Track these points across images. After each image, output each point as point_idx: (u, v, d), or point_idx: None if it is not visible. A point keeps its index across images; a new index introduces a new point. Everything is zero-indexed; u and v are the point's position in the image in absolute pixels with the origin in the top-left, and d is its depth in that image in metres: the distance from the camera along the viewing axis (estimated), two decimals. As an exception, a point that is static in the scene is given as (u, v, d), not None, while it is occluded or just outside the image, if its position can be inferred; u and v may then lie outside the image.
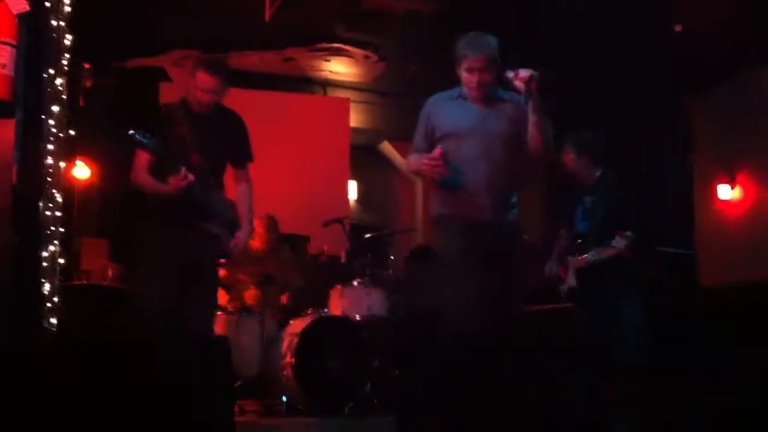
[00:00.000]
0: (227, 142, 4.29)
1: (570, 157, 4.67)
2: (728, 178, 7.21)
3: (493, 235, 3.69)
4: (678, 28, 6.33)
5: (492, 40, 3.73)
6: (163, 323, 3.78)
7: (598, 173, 4.65)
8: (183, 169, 3.85)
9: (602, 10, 6.20)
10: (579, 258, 4.53)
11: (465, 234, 3.67)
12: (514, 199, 3.84)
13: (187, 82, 4.09)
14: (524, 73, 3.53)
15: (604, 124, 4.87)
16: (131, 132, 3.77)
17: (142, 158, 3.98)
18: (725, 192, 7.20)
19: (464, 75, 3.73)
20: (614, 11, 6.21)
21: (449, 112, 3.81)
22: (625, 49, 6.53)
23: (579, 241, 4.56)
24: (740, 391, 4.45)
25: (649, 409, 4.15)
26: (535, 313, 5.67)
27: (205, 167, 4.08)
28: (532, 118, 3.62)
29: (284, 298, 6.40)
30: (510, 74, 3.61)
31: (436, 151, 3.63)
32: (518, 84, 3.57)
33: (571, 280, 4.58)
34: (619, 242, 4.22)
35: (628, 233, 4.20)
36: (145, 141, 3.81)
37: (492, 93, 3.77)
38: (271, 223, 6.40)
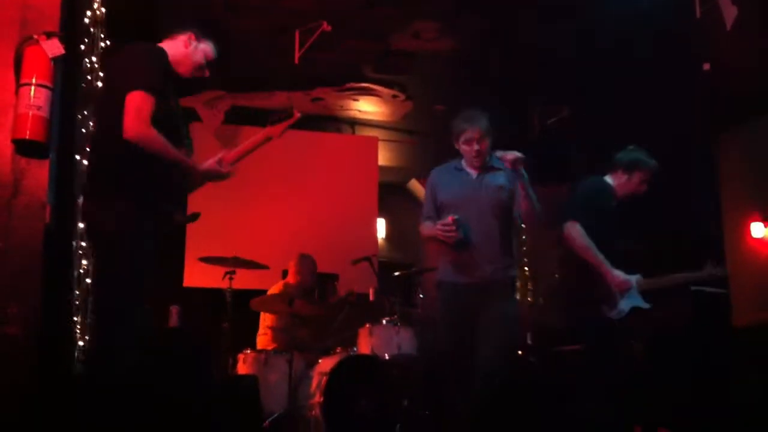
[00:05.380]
0: None
1: (644, 186, 4.63)
2: (761, 215, 7.12)
3: (484, 294, 4.06)
4: (706, 66, 6.31)
5: (484, 116, 4.20)
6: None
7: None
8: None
9: (631, 47, 6.20)
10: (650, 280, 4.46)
11: (458, 296, 4.13)
12: (512, 259, 4.22)
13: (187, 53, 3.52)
14: (510, 155, 4.01)
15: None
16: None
17: (151, 105, 3.16)
18: (758, 230, 7.11)
19: (463, 147, 4.20)
20: (643, 49, 6.22)
21: (448, 182, 4.29)
22: (653, 86, 6.52)
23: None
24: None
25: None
26: (566, 353, 5.61)
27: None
28: (522, 193, 4.11)
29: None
30: (499, 154, 4.11)
31: (449, 218, 4.02)
32: (507, 165, 4.07)
33: (641, 302, 4.41)
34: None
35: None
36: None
37: (488, 162, 4.22)
38: (313, 268, 6.50)
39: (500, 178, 4.19)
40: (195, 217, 3.44)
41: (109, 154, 3.22)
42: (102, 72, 3.38)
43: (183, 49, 3.51)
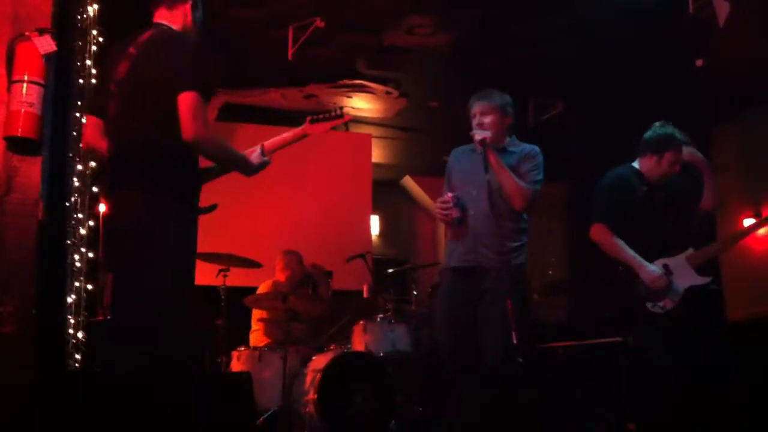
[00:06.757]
0: None
1: (677, 167, 4.31)
2: (753, 211, 7.14)
3: (482, 283, 3.88)
4: (699, 62, 6.31)
5: (498, 94, 4.11)
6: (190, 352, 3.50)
7: None
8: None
9: (625, 42, 6.21)
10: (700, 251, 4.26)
11: (455, 285, 3.99)
12: (514, 244, 3.95)
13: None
14: (478, 135, 3.91)
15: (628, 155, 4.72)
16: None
17: (204, 106, 3.07)
18: (751, 226, 7.13)
19: (473, 122, 4.06)
20: (637, 44, 6.23)
21: (460, 162, 4.18)
22: (648, 81, 6.53)
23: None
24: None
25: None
26: (557, 350, 5.62)
27: None
28: (495, 176, 3.91)
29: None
30: (473, 133, 3.99)
31: (448, 195, 3.95)
32: (476, 145, 3.95)
33: (695, 279, 4.16)
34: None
35: None
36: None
37: (499, 145, 4.02)
38: (300, 260, 6.46)
39: (508, 160, 3.99)
40: (213, 208, 3.33)
41: (146, 149, 3.06)
42: (124, 60, 3.18)
43: (185, 20, 3.28)
